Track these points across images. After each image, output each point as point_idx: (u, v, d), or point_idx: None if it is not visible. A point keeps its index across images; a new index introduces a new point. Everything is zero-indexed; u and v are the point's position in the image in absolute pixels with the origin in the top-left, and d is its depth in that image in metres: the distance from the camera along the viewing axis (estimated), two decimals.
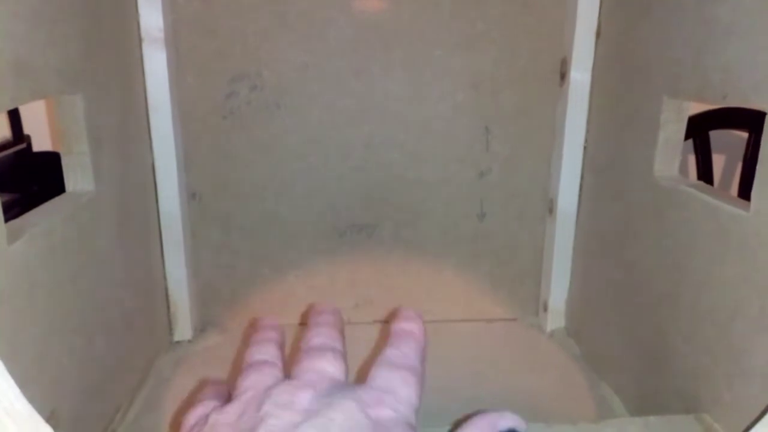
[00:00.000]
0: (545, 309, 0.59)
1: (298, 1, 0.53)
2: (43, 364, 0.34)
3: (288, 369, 0.30)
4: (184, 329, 0.57)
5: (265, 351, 0.31)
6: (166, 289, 0.56)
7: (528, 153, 0.57)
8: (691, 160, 0.91)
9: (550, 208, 0.58)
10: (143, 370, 0.52)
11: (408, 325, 0.32)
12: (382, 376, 0.28)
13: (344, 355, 0.30)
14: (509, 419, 0.27)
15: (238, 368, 0.31)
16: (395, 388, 0.27)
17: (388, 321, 0.61)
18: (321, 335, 0.31)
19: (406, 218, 0.59)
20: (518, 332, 0.60)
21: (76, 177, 0.41)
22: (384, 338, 0.32)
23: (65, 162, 0.40)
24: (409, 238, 0.59)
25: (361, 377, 0.29)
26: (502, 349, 0.58)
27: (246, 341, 0.33)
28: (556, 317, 0.59)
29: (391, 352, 0.30)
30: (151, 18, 0.50)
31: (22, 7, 0.32)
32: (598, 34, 0.51)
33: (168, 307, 0.57)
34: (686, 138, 0.87)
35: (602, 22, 0.51)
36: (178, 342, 0.57)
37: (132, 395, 0.48)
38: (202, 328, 0.59)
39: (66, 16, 0.38)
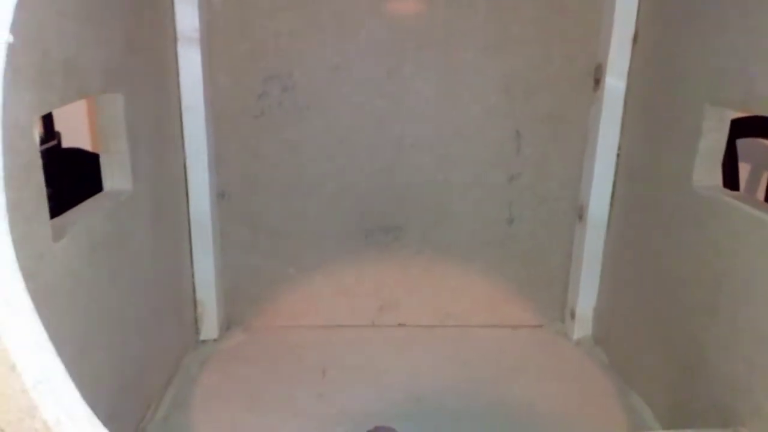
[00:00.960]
0: (572, 316, 0.59)
1: (331, 2, 0.53)
2: (83, 360, 0.34)
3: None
4: (210, 328, 0.58)
5: None
6: (194, 289, 0.56)
7: (559, 158, 0.57)
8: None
9: (581, 215, 0.57)
10: (171, 368, 0.52)
11: None
12: None
13: None
14: None
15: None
16: None
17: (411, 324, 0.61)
18: None
19: (434, 221, 0.58)
20: (544, 339, 0.60)
21: (114, 176, 0.41)
22: None
23: (104, 160, 0.41)
24: (436, 240, 0.59)
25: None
26: (527, 355, 0.57)
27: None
28: (583, 325, 0.58)
29: None
30: (187, 18, 0.50)
31: (71, 7, 0.32)
32: (635, 41, 0.51)
33: (195, 307, 0.57)
34: None
35: (640, 29, 0.50)
36: (204, 341, 0.57)
37: (161, 393, 0.48)
38: (227, 326, 0.60)
39: (110, 17, 0.38)
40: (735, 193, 0.40)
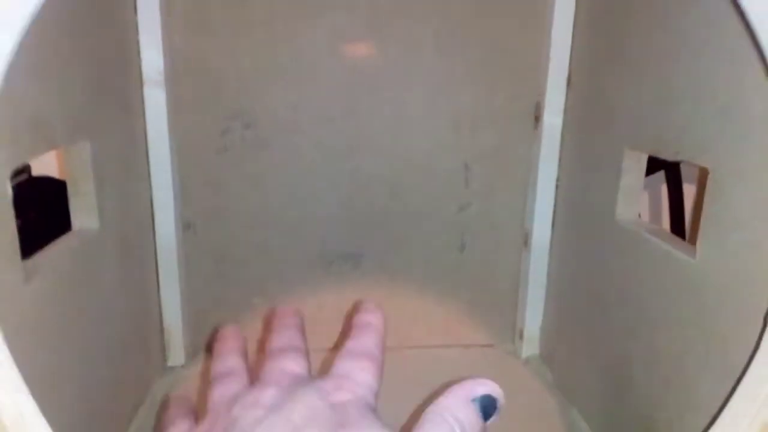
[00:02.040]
0: (521, 336, 0.63)
1: (290, 44, 0.56)
2: (53, 394, 0.36)
3: (255, 374, 0.32)
4: (177, 355, 0.60)
5: (229, 361, 0.33)
6: (161, 317, 0.59)
7: (505, 188, 0.61)
8: (664, 190, 0.95)
9: (526, 241, 0.62)
10: (140, 395, 0.54)
11: (367, 317, 0.34)
12: (341, 366, 0.30)
13: (306, 353, 0.33)
14: (486, 386, 0.29)
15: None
16: (353, 374, 0.29)
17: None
18: (283, 337, 0.34)
19: (391, 249, 0.62)
20: (495, 358, 0.63)
21: (83, 216, 0.43)
22: (347, 332, 0.34)
23: (73, 203, 0.43)
24: (393, 267, 0.63)
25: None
26: (478, 373, 0.61)
27: (211, 353, 0.35)
28: (530, 344, 0.62)
29: (350, 344, 0.32)
30: (152, 62, 0.53)
31: (36, 64, 0.35)
32: (569, 82, 0.56)
33: (162, 334, 0.59)
34: (658, 170, 0.91)
35: (572, 71, 0.55)
36: (171, 367, 0.60)
37: (129, 420, 0.51)
38: (194, 353, 0.62)
39: (74, 67, 0.41)
40: (651, 226, 0.44)
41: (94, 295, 0.43)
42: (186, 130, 0.57)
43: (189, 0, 0.54)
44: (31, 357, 0.34)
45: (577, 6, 0.54)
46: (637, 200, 0.46)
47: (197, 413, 0.34)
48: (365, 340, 0.32)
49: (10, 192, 0.32)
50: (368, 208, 0.61)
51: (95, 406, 0.44)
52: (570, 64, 0.55)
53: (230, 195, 0.59)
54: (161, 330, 0.59)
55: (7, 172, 0.32)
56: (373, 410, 0.28)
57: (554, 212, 0.59)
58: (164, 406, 0.37)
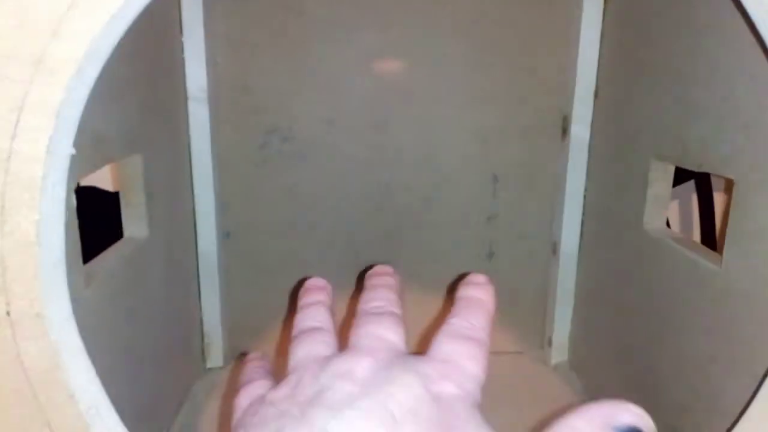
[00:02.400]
0: (549, 344, 0.64)
1: (325, 63, 0.59)
2: (107, 393, 0.39)
3: (343, 334, 0.28)
4: (216, 357, 0.63)
5: (316, 316, 0.29)
6: (201, 322, 0.62)
7: (533, 199, 0.63)
8: (695, 199, 0.95)
9: (554, 250, 0.63)
10: (180, 395, 0.57)
11: (477, 292, 0.29)
12: (447, 348, 0.25)
13: (403, 321, 0.28)
14: (634, 415, 0.23)
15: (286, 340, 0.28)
16: (461, 362, 0.25)
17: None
18: (379, 298, 0.29)
19: (421, 258, 0.64)
20: (524, 365, 0.64)
21: (133, 225, 0.47)
22: (448, 305, 0.30)
23: (125, 212, 0.47)
24: (423, 276, 0.64)
25: (422, 348, 0.27)
26: (508, 380, 0.62)
27: (294, 305, 0.31)
28: (559, 351, 0.63)
29: (457, 322, 0.27)
30: (196, 80, 0.56)
31: (99, 86, 0.38)
32: (596, 95, 0.57)
33: (202, 338, 0.62)
34: (688, 179, 0.91)
35: (600, 85, 0.56)
36: (210, 369, 0.63)
37: (171, 419, 0.53)
38: (232, 356, 0.65)
39: (130, 87, 0.44)
40: (678, 235, 0.45)
41: (143, 299, 0.46)
42: (227, 144, 0.60)
43: (231, 23, 0.58)
44: (90, 354, 0.37)
45: (603, 22, 0.55)
46: (665, 210, 0.47)
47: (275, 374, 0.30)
48: (474, 320, 0.27)
49: (74, 203, 0.35)
50: (399, 218, 0.63)
51: (142, 405, 0.46)
52: (597, 78, 0.56)
53: (267, 205, 0.62)
54: (202, 334, 0.62)
55: (73, 185, 0.35)
56: (480, 409, 0.24)
57: (582, 222, 0.60)
58: (241, 363, 0.32)
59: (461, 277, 0.31)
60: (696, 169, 0.41)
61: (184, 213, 0.58)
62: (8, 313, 0.22)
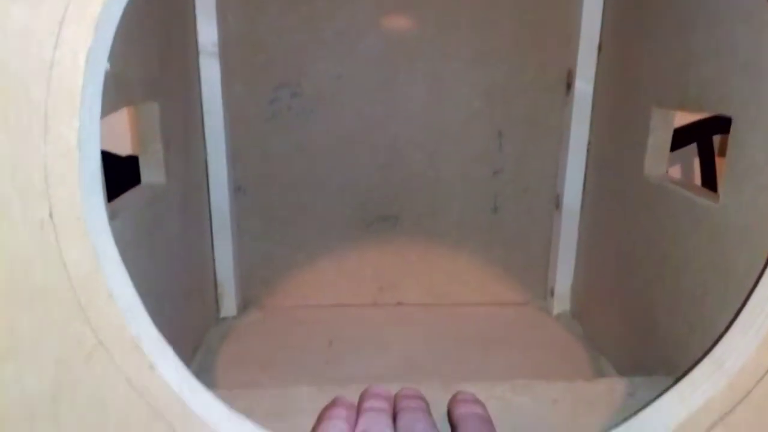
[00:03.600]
0: (552, 294, 0.66)
1: (333, 20, 0.60)
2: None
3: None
4: (229, 307, 0.65)
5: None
6: (215, 271, 0.64)
7: (537, 154, 0.64)
8: (696, 163, 0.96)
9: (557, 203, 0.64)
10: (197, 340, 0.59)
11: (476, 408, 0.32)
12: None
13: None
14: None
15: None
16: None
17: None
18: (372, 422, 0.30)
19: (427, 211, 0.66)
20: (528, 315, 0.67)
21: (151, 172, 0.48)
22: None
23: (143, 159, 0.48)
24: (429, 228, 0.66)
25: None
26: (512, 328, 0.64)
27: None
28: (561, 301, 0.65)
29: None
30: (207, 35, 0.58)
31: (122, 29, 0.40)
32: (599, 50, 0.58)
33: (215, 287, 0.64)
34: (690, 142, 0.92)
35: (603, 40, 0.57)
36: (224, 318, 0.65)
37: (188, 360, 0.56)
38: (244, 306, 0.67)
39: (148, 35, 0.45)
40: (677, 180, 0.47)
41: (161, 242, 0.48)
42: (237, 98, 0.61)
43: None
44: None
45: None
46: (665, 158, 0.49)
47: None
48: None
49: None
50: (406, 172, 0.64)
51: None
52: (601, 31, 0.57)
53: (277, 160, 0.63)
54: (215, 283, 0.64)
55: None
56: None
57: (585, 176, 0.62)
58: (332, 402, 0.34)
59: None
60: (696, 111, 0.42)
61: (197, 164, 0.59)
62: (51, 216, 0.23)
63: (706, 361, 0.29)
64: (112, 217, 0.39)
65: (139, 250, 0.43)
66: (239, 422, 0.28)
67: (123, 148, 0.69)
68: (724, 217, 0.39)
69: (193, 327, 0.59)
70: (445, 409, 0.41)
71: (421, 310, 0.68)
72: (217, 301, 0.65)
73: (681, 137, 0.91)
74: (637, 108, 0.50)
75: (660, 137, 0.48)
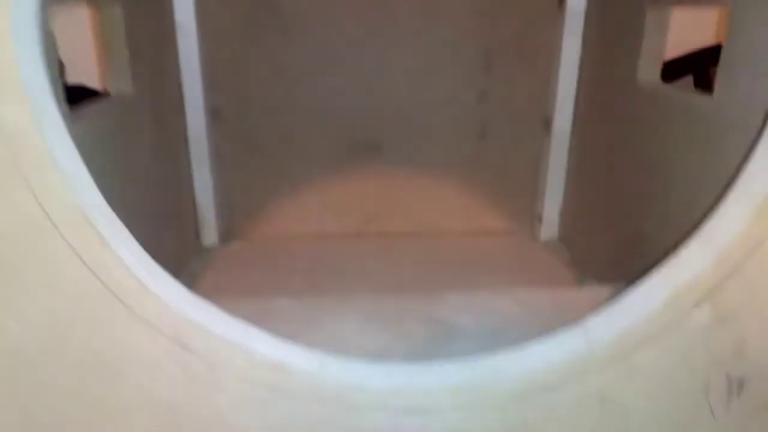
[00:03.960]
0: (540, 221, 0.64)
1: None
2: None
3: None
4: (210, 236, 0.63)
5: None
6: (194, 200, 0.62)
7: (527, 75, 0.61)
8: None
9: (547, 127, 0.62)
10: (175, 267, 0.58)
11: None
12: None
13: None
14: None
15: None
16: None
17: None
18: None
19: (412, 137, 0.63)
20: (515, 242, 0.65)
21: (118, 80, 0.46)
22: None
23: (108, 68, 0.45)
24: (414, 156, 0.64)
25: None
26: (499, 256, 0.63)
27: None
28: (549, 227, 0.64)
29: None
30: None
31: None
32: None
33: (195, 216, 0.62)
34: (686, 74, 0.89)
35: None
36: (205, 247, 0.63)
37: None
38: (226, 236, 0.65)
39: None
40: (670, 85, 0.44)
41: (131, 152, 0.46)
42: (212, 16, 0.58)
43: None
44: None
45: None
46: (659, 64, 0.46)
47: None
48: None
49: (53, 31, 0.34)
50: (390, 96, 0.62)
51: None
52: None
53: (256, 83, 0.61)
54: (195, 212, 0.62)
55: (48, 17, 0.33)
56: None
57: (576, 96, 0.59)
58: None
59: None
60: (692, 5, 0.40)
61: (170, 83, 0.56)
62: None
63: (693, 238, 0.27)
64: (75, 118, 0.36)
65: (104, 156, 0.41)
66: (201, 305, 0.27)
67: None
68: (719, 113, 0.37)
69: (173, 252, 0.57)
70: (426, 317, 0.40)
71: (407, 240, 0.66)
72: (197, 230, 0.63)
73: (677, 68, 0.89)
74: (631, 10, 0.47)
75: (654, 41, 0.46)
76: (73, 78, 0.70)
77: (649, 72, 0.47)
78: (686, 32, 0.63)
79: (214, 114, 0.61)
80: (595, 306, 0.35)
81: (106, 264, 0.25)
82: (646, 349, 0.28)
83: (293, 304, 0.41)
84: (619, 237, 0.51)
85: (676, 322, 0.27)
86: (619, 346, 0.28)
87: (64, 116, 0.25)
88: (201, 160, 0.61)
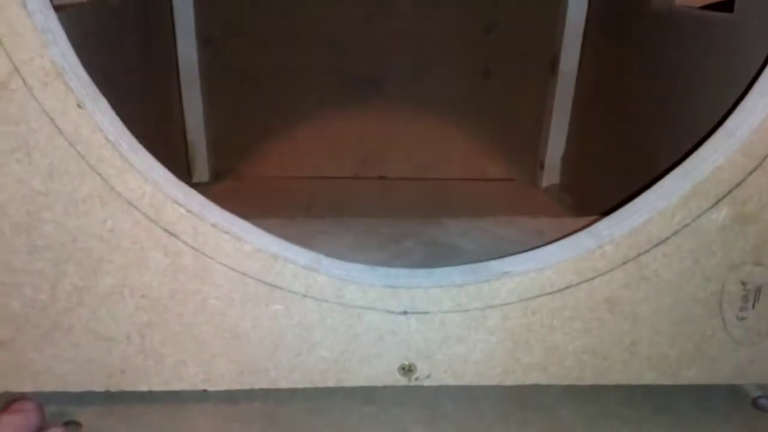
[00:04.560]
0: (542, 167, 0.63)
1: None
2: None
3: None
4: (201, 172, 0.61)
5: None
6: (185, 132, 0.59)
7: (536, 6, 0.59)
8: None
9: (553, 67, 0.60)
10: None
11: None
12: None
13: None
14: None
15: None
16: None
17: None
18: None
19: (413, 73, 0.61)
20: (515, 189, 0.64)
21: None
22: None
23: None
24: (415, 93, 0.62)
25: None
26: (499, 202, 0.61)
27: None
28: (551, 174, 0.62)
29: None
30: None
31: None
32: None
33: (186, 150, 0.60)
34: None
35: None
36: (196, 184, 0.61)
37: None
38: (218, 174, 0.63)
39: None
40: (686, 5, 0.42)
41: (117, 61, 0.43)
42: None
43: None
44: None
45: None
46: None
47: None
48: None
49: None
50: (390, 27, 0.59)
51: None
52: None
53: (248, 7, 0.58)
54: (185, 145, 0.60)
55: None
56: None
57: (584, 32, 0.57)
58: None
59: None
60: None
61: (159, 5, 0.54)
62: None
63: (717, 133, 0.25)
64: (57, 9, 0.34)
65: (87, 59, 0.38)
66: (181, 186, 0.25)
67: None
68: (740, 25, 0.35)
69: None
70: (428, 239, 0.39)
71: (405, 184, 0.64)
72: (188, 164, 0.60)
73: None
74: None
75: None
76: None
77: None
78: None
79: (205, 43, 0.58)
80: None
81: (82, 133, 0.23)
82: (657, 251, 0.26)
83: (286, 222, 0.40)
84: (628, 174, 0.49)
85: (692, 221, 0.26)
86: (629, 247, 0.26)
87: None
88: (192, 92, 0.58)
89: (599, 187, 0.54)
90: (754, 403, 0.34)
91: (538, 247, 0.28)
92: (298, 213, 0.57)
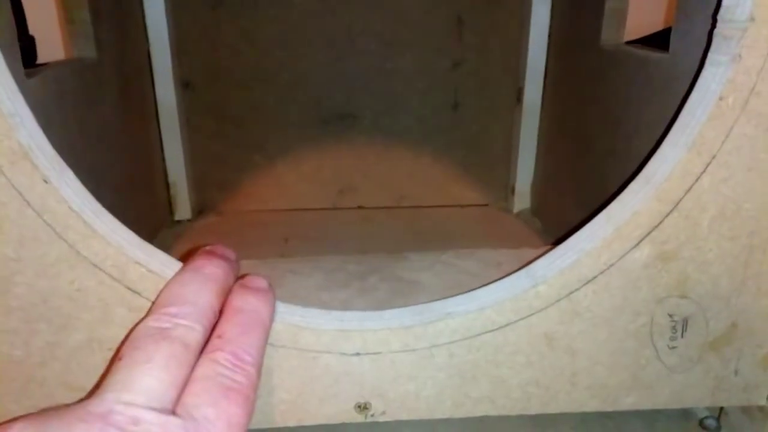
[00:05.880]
0: (513, 192, 0.65)
1: None
2: None
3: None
4: (183, 210, 0.63)
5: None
6: (165, 173, 0.62)
7: (499, 43, 0.61)
8: None
9: (519, 97, 0.62)
10: (147, 238, 0.57)
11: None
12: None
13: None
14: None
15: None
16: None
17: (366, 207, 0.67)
18: None
19: (386, 108, 0.63)
20: (488, 214, 0.66)
21: (80, 44, 0.45)
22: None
23: (69, 31, 0.45)
24: (388, 127, 0.64)
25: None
26: (473, 227, 0.63)
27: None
28: (522, 199, 0.64)
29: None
30: None
31: None
32: None
33: (167, 189, 0.62)
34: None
35: None
36: (178, 221, 0.63)
37: None
38: (200, 210, 0.65)
39: None
40: (632, 44, 0.45)
41: (96, 118, 0.45)
42: None
43: None
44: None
45: None
46: (623, 24, 0.47)
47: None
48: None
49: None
50: (362, 65, 0.62)
51: None
52: None
53: (226, 52, 0.60)
54: (167, 184, 0.62)
55: None
56: None
57: (546, 64, 0.59)
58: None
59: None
60: None
61: (138, 53, 0.56)
62: None
63: (636, 179, 0.28)
64: (30, 75, 0.36)
65: (65, 118, 0.41)
66: (143, 246, 0.27)
67: None
68: (675, 65, 0.37)
69: (143, 226, 0.57)
70: (391, 276, 0.41)
71: (382, 213, 0.66)
72: (170, 203, 0.63)
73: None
74: None
75: (618, 2, 0.46)
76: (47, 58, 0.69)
77: (612, 32, 0.47)
78: None
79: (184, 86, 0.61)
80: None
81: (49, 204, 0.25)
82: (587, 289, 0.28)
83: (256, 263, 0.42)
84: (585, 198, 0.51)
85: (617, 261, 0.28)
86: (562, 286, 0.28)
87: (10, 64, 0.25)
88: (172, 133, 0.61)
89: (563, 212, 0.56)
90: (701, 423, 0.35)
91: (481, 287, 0.30)
92: (277, 246, 0.59)
